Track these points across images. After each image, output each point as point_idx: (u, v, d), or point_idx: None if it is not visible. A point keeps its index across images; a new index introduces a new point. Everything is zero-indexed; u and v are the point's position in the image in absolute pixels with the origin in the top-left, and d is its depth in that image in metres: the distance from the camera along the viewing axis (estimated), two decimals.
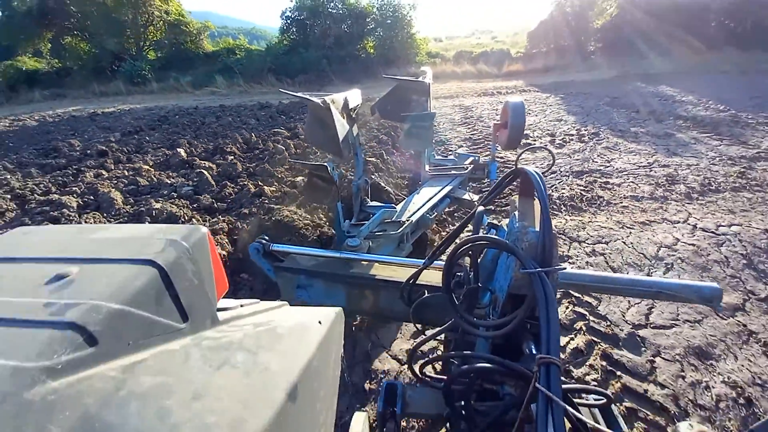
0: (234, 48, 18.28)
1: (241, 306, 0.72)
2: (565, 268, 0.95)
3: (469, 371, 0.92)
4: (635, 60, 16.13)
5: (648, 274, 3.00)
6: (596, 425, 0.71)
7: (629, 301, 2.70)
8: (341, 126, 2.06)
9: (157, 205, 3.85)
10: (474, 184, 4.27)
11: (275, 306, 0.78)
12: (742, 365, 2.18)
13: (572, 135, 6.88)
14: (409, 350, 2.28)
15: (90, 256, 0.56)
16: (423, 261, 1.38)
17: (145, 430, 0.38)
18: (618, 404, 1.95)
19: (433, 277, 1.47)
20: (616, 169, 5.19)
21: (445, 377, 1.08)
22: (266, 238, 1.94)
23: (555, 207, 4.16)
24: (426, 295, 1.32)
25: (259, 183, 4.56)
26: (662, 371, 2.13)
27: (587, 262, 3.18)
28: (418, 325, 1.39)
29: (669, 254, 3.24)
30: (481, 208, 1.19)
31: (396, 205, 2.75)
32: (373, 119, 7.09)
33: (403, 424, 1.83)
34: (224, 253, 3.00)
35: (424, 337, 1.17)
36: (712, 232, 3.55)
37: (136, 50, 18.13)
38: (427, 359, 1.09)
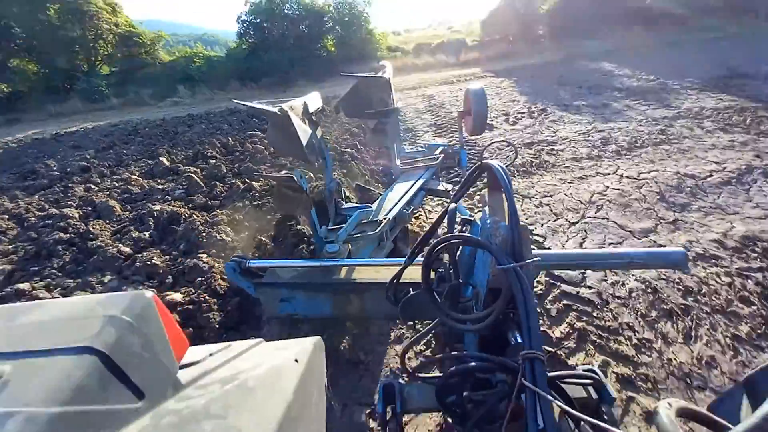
0: (192, 56, 18.07)
1: (210, 355, 0.68)
2: (539, 260, 0.95)
3: (459, 372, 0.95)
4: (579, 42, 17.35)
5: (583, 216, 3.71)
6: (582, 415, 0.70)
7: (567, 236, 3.39)
8: (303, 132, 2.01)
9: (157, 207, 4.19)
10: (445, 173, 4.77)
11: (249, 347, 0.74)
12: (651, 270, 2.89)
13: (523, 113, 7.66)
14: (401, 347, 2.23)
15: (24, 348, 0.52)
16: (404, 260, 1.38)
17: None
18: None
19: (416, 274, 1.52)
20: (561, 137, 5.97)
21: (439, 375, 1.12)
22: (241, 255, 1.92)
23: (510, 172, 4.84)
24: (411, 292, 1.33)
25: (247, 180, 4.95)
26: (590, 278, 2.81)
27: (536, 212, 3.85)
28: (408, 322, 1.43)
29: (599, 198, 3.97)
30: (453, 205, 1.21)
31: (372, 204, 2.72)
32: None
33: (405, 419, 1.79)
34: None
35: (410, 337, 1.25)
36: (635, 179, 4.34)
37: (88, 66, 17.53)
38: (420, 363, 1.17)
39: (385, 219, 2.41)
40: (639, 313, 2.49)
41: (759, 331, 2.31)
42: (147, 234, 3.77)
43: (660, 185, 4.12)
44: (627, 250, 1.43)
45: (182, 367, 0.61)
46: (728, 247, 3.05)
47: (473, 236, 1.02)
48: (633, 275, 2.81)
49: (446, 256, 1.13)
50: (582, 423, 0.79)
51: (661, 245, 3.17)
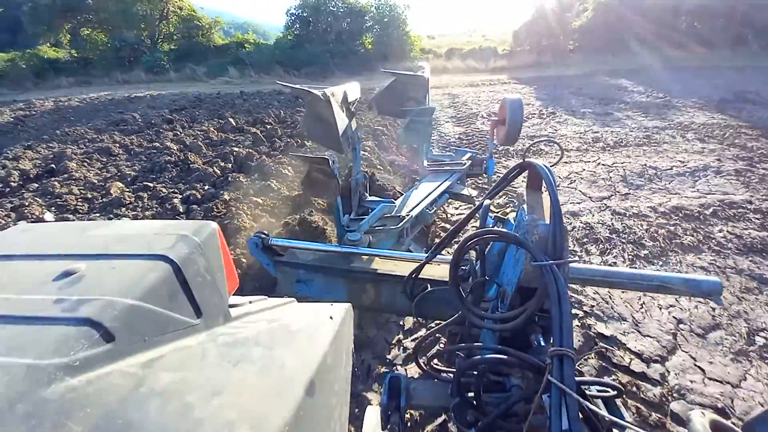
0: (243, 42, 19.83)
1: (250, 302, 0.73)
2: (576, 261, 1.09)
3: (482, 362, 0.93)
4: (606, 58, 18.06)
5: (558, 186, 4.81)
6: (610, 416, 0.71)
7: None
8: (341, 120, 1.99)
9: (236, 149, 5.55)
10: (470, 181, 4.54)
11: (283, 303, 0.79)
12: (596, 217, 4.00)
13: (534, 114, 8.72)
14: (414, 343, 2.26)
15: (97, 252, 0.55)
16: (425, 255, 1.35)
17: (167, 427, 0.38)
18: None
19: (435, 271, 1.47)
20: (560, 134, 7.04)
21: (452, 370, 1.08)
22: (265, 232, 1.93)
23: (510, 156, 5.97)
24: (428, 289, 1.32)
25: (299, 140, 6.27)
26: None
27: (522, 182, 4.99)
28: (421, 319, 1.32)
29: (575, 176, 5.07)
30: (487, 201, 1.18)
31: (395, 199, 2.74)
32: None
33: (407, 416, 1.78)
34: None
35: (430, 329, 1.18)
36: (609, 166, 5.40)
37: (151, 42, 19.52)
38: (437, 351, 1.10)
39: (407, 215, 2.44)
40: (575, 238, 3.62)
41: (655, 254, 3.40)
42: (230, 165, 5.12)
43: (626, 171, 5.18)
44: (658, 273, 1.38)
45: (229, 306, 0.64)
46: (658, 211, 4.12)
47: (511, 232, 1.01)
48: (580, 218, 3.93)
49: (473, 254, 1.10)
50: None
51: (608, 206, 4.26)
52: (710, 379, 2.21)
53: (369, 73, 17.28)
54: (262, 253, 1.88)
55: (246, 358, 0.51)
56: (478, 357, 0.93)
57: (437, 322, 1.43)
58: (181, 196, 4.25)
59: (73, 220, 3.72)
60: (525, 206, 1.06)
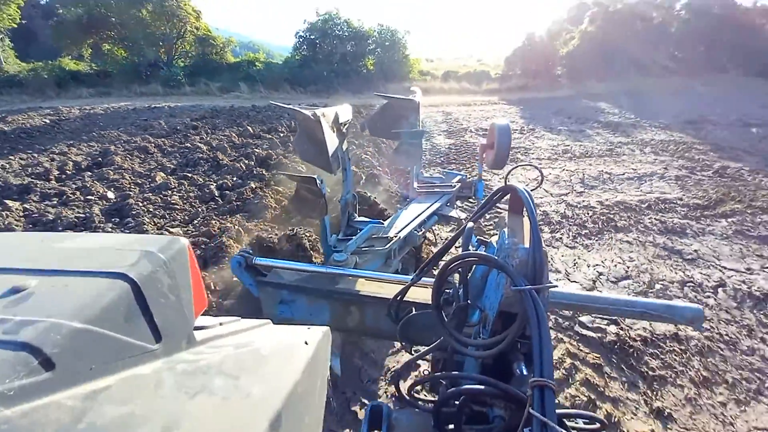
0: (253, 60, 21.30)
1: (221, 324, 0.68)
2: (556, 286, 0.94)
3: (461, 393, 0.91)
4: (591, 83, 19.52)
5: (526, 184, 5.79)
6: None
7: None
8: (331, 140, 2.02)
9: (257, 150, 6.52)
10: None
11: (257, 325, 0.74)
12: (552, 207, 4.94)
13: (516, 130, 9.83)
14: (394, 370, 2.29)
15: (52, 267, 0.51)
16: (410, 277, 1.34)
17: None
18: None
19: (420, 294, 1.48)
20: (535, 147, 8.10)
21: (433, 399, 1.07)
22: (249, 251, 1.90)
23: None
24: (413, 312, 1.32)
25: None
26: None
27: (497, 182, 5.95)
28: (405, 344, 1.38)
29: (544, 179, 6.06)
30: (470, 224, 1.19)
31: (384, 221, 2.73)
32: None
33: None
34: None
35: (411, 356, 1.19)
36: (572, 171, 6.41)
37: (167, 59, 20.91)
38: (416, 380, 1.09)
39: (395, 237, 2.43)
40: None
41: (594, 232, 4.33)
42: (252, 162, 6.08)
43: (585, 175, 6.18)
44: (641, 299, 1.39)
45: (195, 328, 0.60)
46: (604, 204, 5.07)
47: (491, 255, 1.00)
48: (539, 208, 4.87)
49: (456, 277, 1.10)
50: None
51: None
52: None
53: (370, 92, 18.57)
54: (245, 272, 1.85)
55: (206, 388, 0.48)
56: (454, 389, 0.92)
57: (418, 348, 1.41)
58: (215, 184, 5.17)
59: (114, 202, 4.54)
60: (506, 230, 1.08)
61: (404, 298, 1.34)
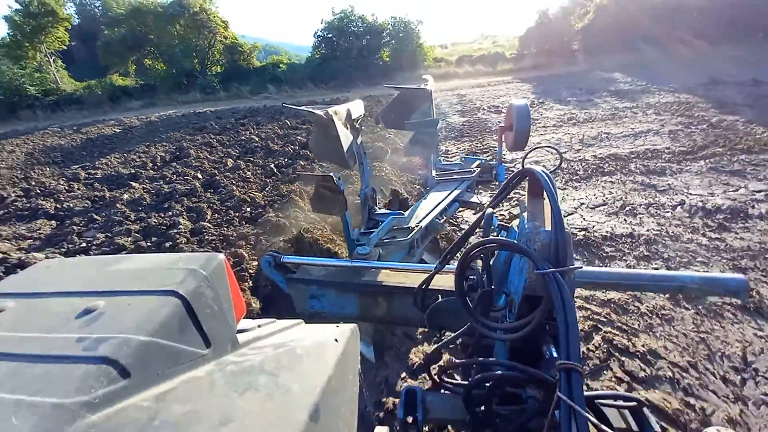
0: (278, 62, 22.91)
1: (259, 326, 0.76)
2: (581, 267, 0.96)
3: (489, 378, 0.93)
4: (607, 56, 19.52)
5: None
6: None
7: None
8: (345, 136, 2.05)
9: (299, 137, 7.81)
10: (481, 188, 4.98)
11: (291, 325, 0.82)
12: (550, 162, 5.88)
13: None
14: (425, 355, 2.38)
15: (115, 288, 0.60)
16: (434, 266, 1.36)
17: None
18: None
19: (445, 281, 1.49)
20: (543, 117, 8.91)
21: (464, 383, 1.09)
22: (277, 251, 2.00)
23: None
24: (439, 299, 1.36)
25: None
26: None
27: None
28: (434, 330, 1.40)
29: (544, 142, 6.96)
30: (490, 210, 1.19)
31: (404, 211, 2.76)
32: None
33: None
34: None
35: (440, 342, 1.24)
36: (573, 134, 7.25)
37: (201, 68, 22.87)
38: (446, 366, 1.14)
39: (417, 226, 2.47)
40: None
41: (583, 177, 5.26)
42: (297, 148, 7.37)
43: (585, 136, 7.02)
44: (679, 273, 1.29)
45: (237, 332, 0.68)
46: (597, 157, 5.95)
47: (511, 240, 1.01)
48: (538, 164, 5.84)
49: (479, 263, 1.10)
50: None
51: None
52: (589, 221, 4.10)
53: (387, 82, 19.62)
54: (275, 271, 1.94)
55: (252, 386, 0.54)
56: (480, 376, 0.94)
57: (448, 334, 1.46)
58: (273, 164, 6.49)
59: (205, 180, 5.91)
60: (526, 214, 1.07)
61: (429, 287, 1.37)
